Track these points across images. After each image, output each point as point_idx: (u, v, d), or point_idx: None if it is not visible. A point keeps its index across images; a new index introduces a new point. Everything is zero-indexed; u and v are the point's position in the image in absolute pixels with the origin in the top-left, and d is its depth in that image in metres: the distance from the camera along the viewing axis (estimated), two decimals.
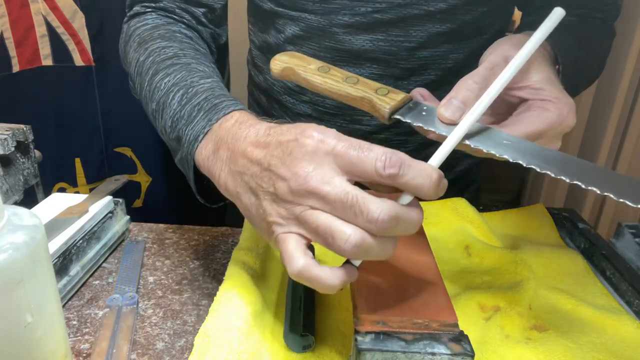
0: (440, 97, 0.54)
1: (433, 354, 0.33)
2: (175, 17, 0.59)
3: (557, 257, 0.55)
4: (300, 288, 0.47)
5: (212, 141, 0.40)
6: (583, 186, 0.34)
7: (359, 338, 0.34)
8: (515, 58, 0.40)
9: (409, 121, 0.41)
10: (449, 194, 0.72)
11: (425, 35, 0.58)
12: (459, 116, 0.39)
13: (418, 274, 0.40)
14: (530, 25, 0.64)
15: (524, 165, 0.37)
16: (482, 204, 0.65)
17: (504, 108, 0.45)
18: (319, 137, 0.33)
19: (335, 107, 0.64)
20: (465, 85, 0.40)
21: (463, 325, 0.36)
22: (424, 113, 0.41)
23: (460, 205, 0.62)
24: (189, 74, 0.48)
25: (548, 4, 0.61)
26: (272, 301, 0.47)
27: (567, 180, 0.35)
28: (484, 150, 0.38)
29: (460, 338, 0.34)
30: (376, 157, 0.32)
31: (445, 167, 0.83)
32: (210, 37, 0.62)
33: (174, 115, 0.45)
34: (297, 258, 0.32)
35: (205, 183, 0.42)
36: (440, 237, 0.60)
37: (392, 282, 0.39)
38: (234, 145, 0.38)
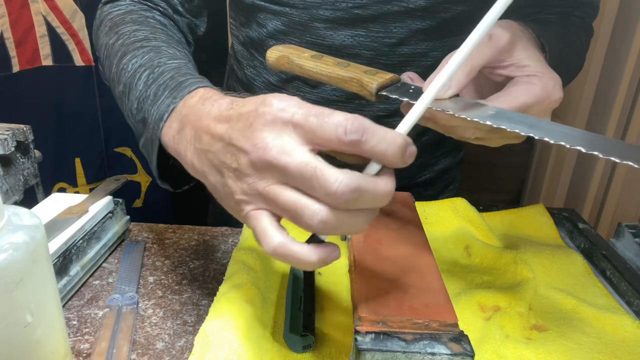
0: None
1: (433, 354, 0.33)
2: (150, 4, 0.59)
3: (557, 257, 0.55)
4: (300, 288, 0.47)
5: (176, 120, 0.39)
6: (568, 146, 0.34)
7: (359, 338, 0.34)
8: (483, 19, 0.37)
9: (395, 96, 0.42)
10: (427, 194, 0.72)
11: (405, 31, 0.59)
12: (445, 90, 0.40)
13: (418, 274, 0.40)
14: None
15: (507, 129, 0.37)
16: (482, 204, 0.66)
17: (489, 87, 0.45)
18: (278, 105, 0.31)
19: (315, 102, 0.64)
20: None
21: (463, 325, 0.36)
22: (410, 91, 0.42)
23: (460, 205, 0.62)
24: (157, 54, 0.47)
25: (530, 4, 0.61)
26: (272, 301, 0.47)
27: (551, 142, 0.35)
28: (468, 119, 0.38)
29: (460, 338, 0.34)
30: (337, 123, 0.30)
31: (424, 166, 0.82)
32: (187, 27, 0.62)
33: (139, 96, 0.44)
34: (272, 235, 0.31)
35: (171, 163, 0.41)
36: (440, 237, 0.60)
37: (392, 282, 0.39)
38: (197, 122, 0.36)
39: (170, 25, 0.58)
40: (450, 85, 0.40)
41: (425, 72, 0.64)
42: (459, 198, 0.63)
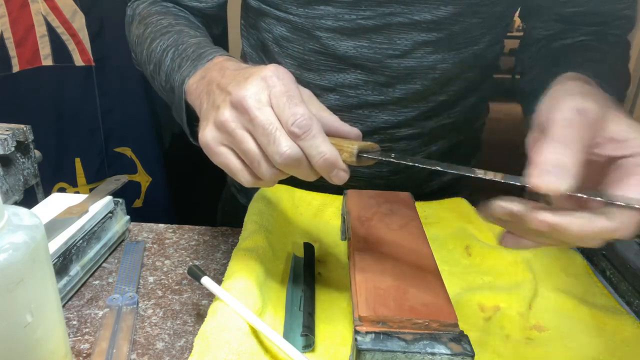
0: (426, 106, 0.53)
1: (433, 354, 0.33)
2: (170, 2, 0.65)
3: (557, 257, 0.55)
4: (300, 288, 0.47)
5: (199, 76, 0.45)
6: None
7: (359, 338, 0.34)
8: None
9: (380, 158, 0.38)
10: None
11: (410, 43, 0.57)
12: (559, 182, 0.31)
13: (418, 274, 0.40)
14: (536, 40, 0.62)
15: None
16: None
17: (590, 170, 0.34)
18: (270, 72, 0.37)
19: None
20: (550, 150, 0.32)
21: (463, 325, 0.36)
22: (396, 154, 0.38)
23: (460, 205, 0.62)
24: (180, 36, 0.54)
25: (562, 21, 0.60)
26: (272, 301, 0.47)
27: None
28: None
29: (460, 338, 0.34)
30: (293, 112, 0.35)
31: (433, 176, 0.81)
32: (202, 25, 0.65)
33: (167, 69, 0.52)
34: (243, 172, 0.38)
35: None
36: (440, 237, 0.60)
37: (392, 282, 0.39)
38: (214, 76, 0.42)
39: (188, 15, 0.64)
40: (565, 174, 0.31)
41: (431, 85, 0.62)
42: (459, 198, 0.63)
